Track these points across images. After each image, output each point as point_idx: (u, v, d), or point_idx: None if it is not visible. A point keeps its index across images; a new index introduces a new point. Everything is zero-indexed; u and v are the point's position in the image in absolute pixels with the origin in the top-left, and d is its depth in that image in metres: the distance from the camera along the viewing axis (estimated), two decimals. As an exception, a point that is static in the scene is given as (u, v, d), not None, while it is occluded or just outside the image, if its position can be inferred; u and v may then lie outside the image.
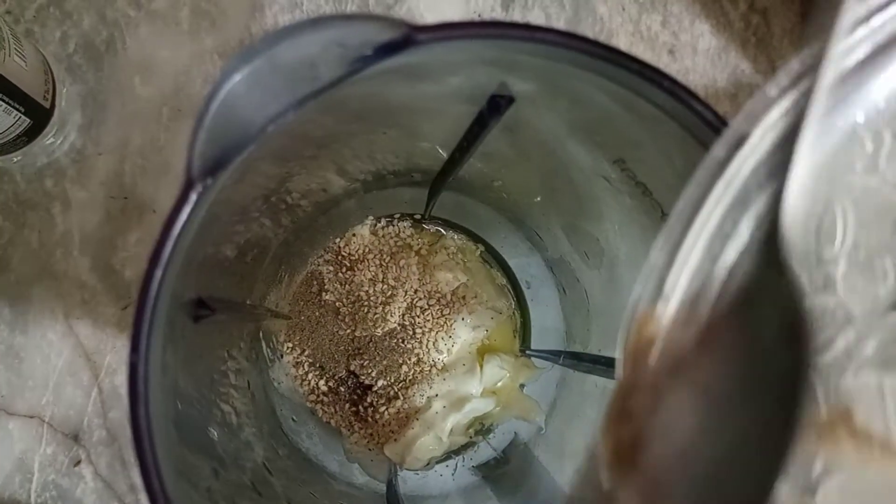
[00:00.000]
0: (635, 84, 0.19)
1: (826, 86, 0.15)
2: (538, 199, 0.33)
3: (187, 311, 0.21)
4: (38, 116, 0.38)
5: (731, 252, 0.16)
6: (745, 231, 0.16)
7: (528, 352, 0.39)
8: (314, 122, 0.27)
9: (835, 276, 0.16)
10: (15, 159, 0.40)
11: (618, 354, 0.17)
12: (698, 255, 0.16)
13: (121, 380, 0.42)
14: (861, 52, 0.16)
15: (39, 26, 0.42)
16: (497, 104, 0.22)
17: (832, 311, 0.16)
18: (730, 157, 0.16)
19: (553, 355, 0.37)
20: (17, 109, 0.36)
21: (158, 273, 0.17)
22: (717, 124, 0.19)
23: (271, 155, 0.28)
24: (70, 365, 0.42)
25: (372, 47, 0.18)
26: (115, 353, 0.42)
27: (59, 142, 0.41)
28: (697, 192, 0.16)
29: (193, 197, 0.17)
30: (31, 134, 0.39)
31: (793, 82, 0.16)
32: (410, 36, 0.18)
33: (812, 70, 0.16)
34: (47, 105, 0.39)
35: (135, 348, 0.17)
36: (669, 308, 0.16)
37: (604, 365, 0.30)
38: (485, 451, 0.39)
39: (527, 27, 0.18)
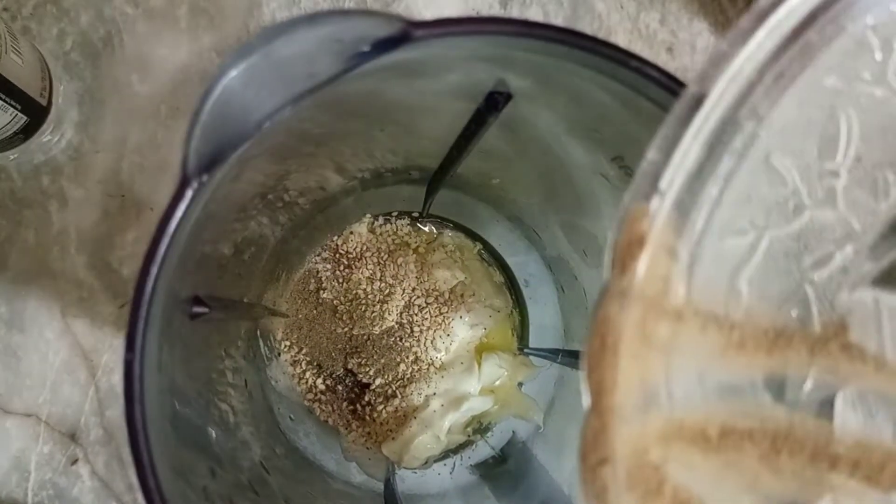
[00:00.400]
0: (634, 81, 0.18)
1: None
2: (536, 197, 0.33)
3: (183, 310, 0.21)
4: (35, 114, 0.38)
5: (728, 160, 0.16)
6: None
7: (526, 350, 0.39)
8: (312, 120, 0.27)
9: (836, 188, 0.16)
10: (11, 157, 0.40)
11: (606, 255, 0.16)
12: (695, 155, 0.16)
13: (118, 378, 0.42)
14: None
15: (36, 23, 0.42)
16: (495, 101, 0.22)
17: (832, 226, 0.16)
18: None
19: (551, 354, 0.37)
20: (14, 107, 0.36)
21: (154, 271, 0.17)
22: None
23: (269, 152, 0.27)
24: (67, 363, 0.42)
25: (369, 43, 0.18)
26: (112, 351, 0.42)
27: (55, 139, 0.41)
28: (697, 90, 0.16)
29: (189, 194, 0.17)
30: (27, 131, 0.38)
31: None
32: (407, 32, 0.18)
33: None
34: (44, 102, 0.39)
35: (130, 347, 0.17)
36: (664, 205, 0.16)
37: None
38: (483, 450, 0.39)
39: (524, 23, 0.18)
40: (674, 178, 0.16)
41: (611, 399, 0.15)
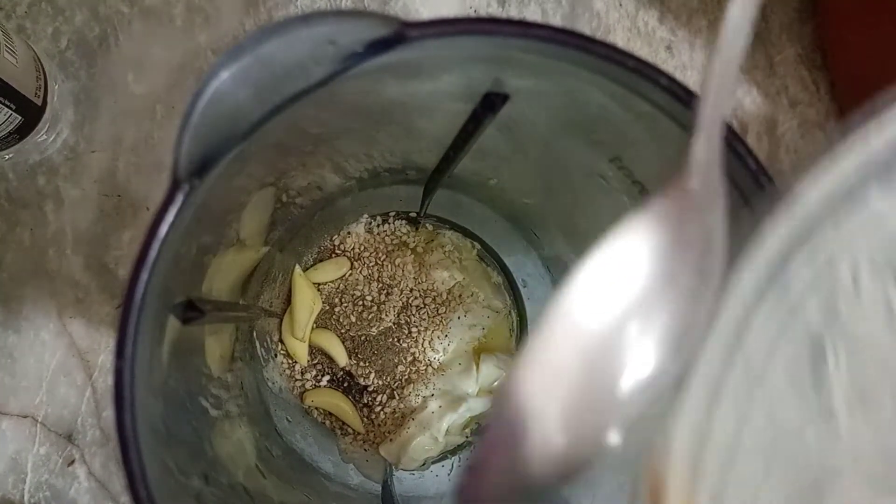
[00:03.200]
0: (633, 81, 0.18)
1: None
2: (534, 197, 0.33)
3: (176, 314, 0.21)
4: (30, 114, 0.38)
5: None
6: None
7: (524, 351, 0.39)
8: (308, 119, 0.26)
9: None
10: (7, 157, 0.40)
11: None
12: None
13: (115, 379, 0.42)
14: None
15: (31, 22, 0.42)
16: (491, 102, 0.22)
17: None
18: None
19: (550, 355, 0.37)
20: (8, 107, 0.36)
21: (144, 276, 0.17)
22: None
23: (264, 152, 0.27)
24: (63, 364, 0.41)
25: (363, 44, 0.18)
26: (108, 352, 0.42)
27: (51, 139, 0.41)
28: None
29: (180, 197, 0.17)
30: (22, 131, 0.38)
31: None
32: (402, 32, 0.17)
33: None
34: (39, 102, 0.38)
35: (120, 353, 0.17)
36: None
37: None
38: (481, 452, 0.39)
39: (521, 24, 0.17)
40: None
41: None
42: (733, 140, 0.18)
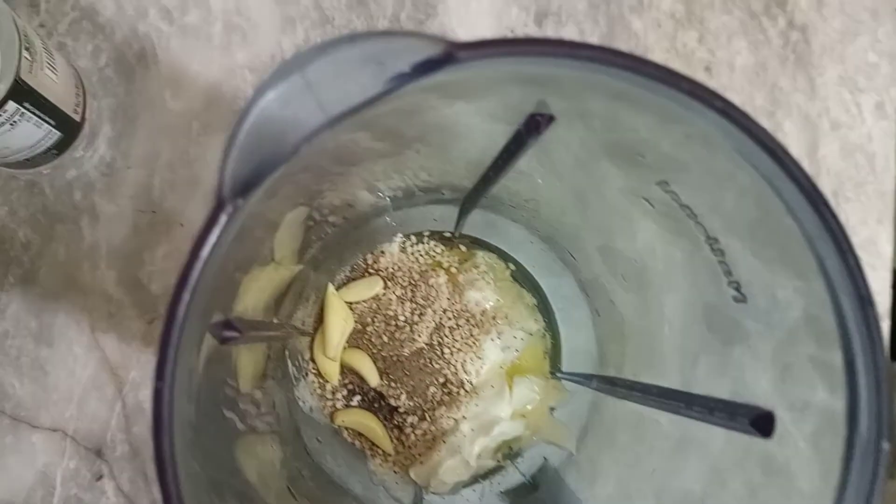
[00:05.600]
0: (685, 103, 0.18)
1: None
2: (571, 218, 0.33)
3: (214, 333, 0.21)
4: (69, 129, 0.38)
5: None
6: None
7: (558, 374, 0.38)
8: (346, 140, 0.26)
9: None
10: (44, 172, 0.40)
11: None
12: None
13: (145, 394, 0.42)
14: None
15: (72, 39, 0.42)
16: (536, 123, 0.21)
17: None
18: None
19: (585, 379, 0.36)
20: (48, 123, 0.36)
21: (186, 297, 0.16)
22: (770, 145, 0.18)
23: (302, 173, 0.27)
24: (95, 378, 0.41)
25: (410, 65, 0.17)
26: (139, 367, 0.42)
27: (88, 155, 0.41)
28: None
29: (224, 219, 0.17)
30: (60, 147, 0.39)
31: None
32: (451, 54, 0.17)
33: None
34: (78, 118, 0.39)
35: (160, 375, 0.16)
36: None
37: (640, 392, 0.29)
38: (513, 476, 0.38)
39: (571, 44, 0.17)
40: None
41: None
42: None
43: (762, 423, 0.22)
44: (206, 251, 0.16)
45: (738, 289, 0.23)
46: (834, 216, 0.18)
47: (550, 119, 0.21)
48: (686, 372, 0.27)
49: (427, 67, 0.17)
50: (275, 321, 0.33)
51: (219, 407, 0.27)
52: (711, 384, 0.26)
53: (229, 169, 0.17)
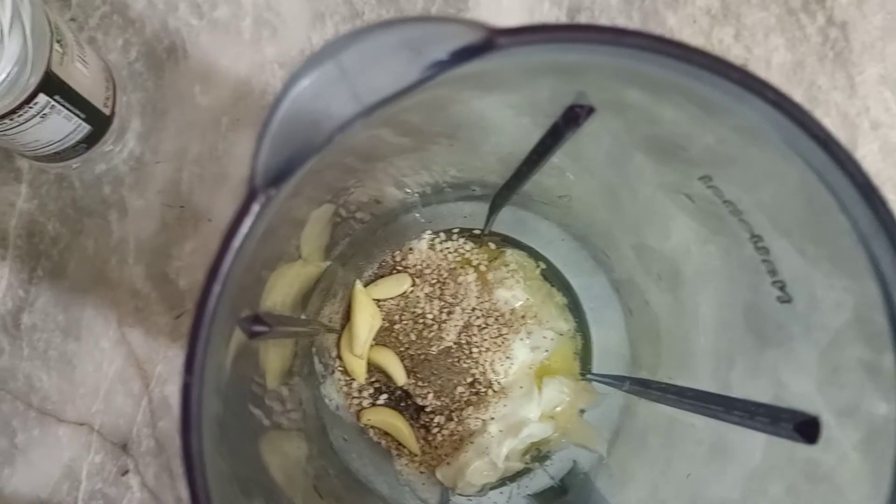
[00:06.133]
0: (733, 93, 0.17)
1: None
2: (605, 215, 0.32)
3: (243, 328, 0.20)
4: (99, 123, 0.38)
5: None
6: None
7: (589, 376, 0.38)
8: (371, 136, 0.26)
9: None
10: (74, 166, 0.40)
11: None
12: None
13: (171, 390, 0.42)
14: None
15: (102, 34, 0.42)
16: (575, 114, 0.21)
17: None
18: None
19: (617, 381, 0.36)
20: (78, 116, 0.36)
21: (217, 288, 0.16)
22: (823, 137, 0.17)
23: (326, 170, 0.27)
24: (121, 373, 0.41)
25: (448, 52, 0.17)
26: (166, 362, 0.42)
27: (117, 149, 0.41)
28: None
29: (256, 208, 0.16)
30: (90, 141, 0.38)
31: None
32: (490, 40, 0.16)
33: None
34: (108, 112, 0.39)
35: (189, 369, 0.16)
36: None
37: (675, 394, 0.29)
38: (541, 479, 0.37)
39: (615, 31, 0.16)
40: None
41: None
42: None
43: (807, 428, 0.21)
44: (237, 241, 0.16)
45: (782, 289, 0.22)
46: (890, 213, 0.17)
47: (590, 111, 0.21)
48: (724, 375, 0.27)
49: (465, 55, 0.17)
50: (302, 317, 0.32)
51: (245, 403, 0.26)
52: (751, 388, 0.25)
53: (262, 158, 0.16)
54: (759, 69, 0.44)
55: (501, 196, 0.32)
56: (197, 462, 0.16)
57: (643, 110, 0.21)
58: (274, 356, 0.30)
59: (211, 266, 0.16)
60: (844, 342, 0.20)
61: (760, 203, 0.21)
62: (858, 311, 0.20)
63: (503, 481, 0.37)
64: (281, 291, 0.29)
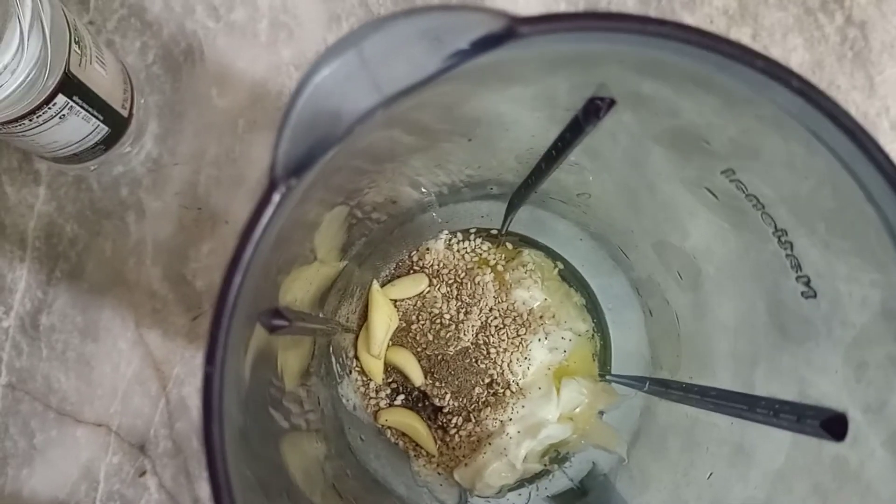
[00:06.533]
0: (758, 82, 0.17)
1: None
2: (624, 213, 0.32)
3: (263, 322, 0.20)
4: (116, 125, 0.38)
5: None
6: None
7: (608, 377, 0.37)
8: (388, 135, 0.26)
9: None
10: (92, 167, 0.40)
11: None
12: None
13: (189, 391, 0.42)
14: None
15: (120, 37, 0.42)
16: (596, 107, 0.21)
17: None
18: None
19: (637, 381, 0.35)
20: (96, 117, 0.36)
21: (238, 278, 0.16)
22: (850, 126, 0.17)
23: (335, 175, 0.26)
24: (139, 374, 0.41)
25: (469, 41, 0.17)
26: (183, 363, 0.42)
27: (135, 151, 0.42)
28: None
29: (277, 198, 0.16)
30: (108, 142, 0.39)
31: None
32: (512, 28, 0.16)
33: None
34: (125, 114, 0.39)
35: (210, 359, 0.16)
36: None
37: (697, 394, 0.28)
38: (561, 481, 0.37)
39: (640, 19, 0.16)
40: None
41: None
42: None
43: (833, 425, 0.21)
44: (259, 230, 0.16)
45: (807, 283, 0.22)
46: (920, 204, 0.17)
47: (612, 103, 0.20)
48: (747, 373, 0.26)
49: (487, 43, 0.16)
50: (320, 315, 0.32)
51: (265, 406, 0.26)
52: (775, 385, 0.24)
53: (282, 149, 0.16)
54: (777, 68, 0.44)
55: (519, 195, 0.32)
56: (219, 455, 0.16)
57: (664, 102, 0.20)
58: (292, 357, 0.30)
59: (232, 256, 0.16)
60: (871, 337, 0.20)
61: (785, 196, 0.21)
62: (886, 304, 0.19)
63: (521, 483, 0.37)
64: (298, 291, 0.29)
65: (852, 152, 0.17)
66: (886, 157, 0.17)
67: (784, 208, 0.21)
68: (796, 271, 0.22)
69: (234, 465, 0.17)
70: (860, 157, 0.17)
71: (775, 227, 0.21)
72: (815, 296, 0.22)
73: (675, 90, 0.20)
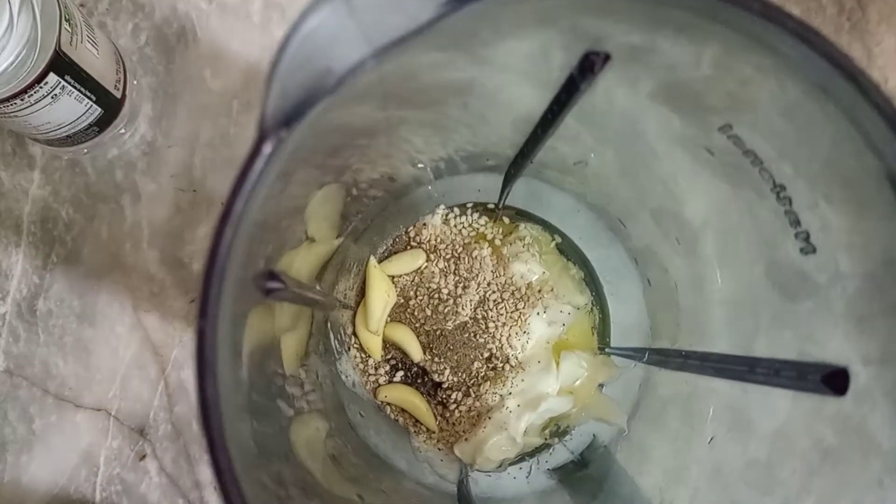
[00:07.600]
0: (756, 29, 0.16)
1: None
2: (622, 181, 0.31)
3: (258, 285, 0.20)
4: (109, 106, 0.38)
5: None
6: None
7: (607, 349, 0.37)
8: (380, 100, 0.25)
9: None
10: (85, 151, 0.40)
11: None
12: None
13: (187, 374, 0.42)
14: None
15: (112, 18, 0.42)
16: (591, 63, 0.20)
17: None
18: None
19: (636, 353, 0.35)
20: (89, 97, 0.36)
21: (229, 232, 0.16)
22: (851, 70, 0.16)
23: (311, 155, 0.26)
24: (137, 358, 0.41)
25: (461, -12, 0.16)
26: (182, 346, 0.41)
27: (129, 133, 0.41)
28: None
29: (267, 150, 0.16)
30: (101, 124, 0.38)
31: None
32: (504, -28, 0.16)
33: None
34: (118, 95, 0.39)
35: (203, 313, 0.16)
36: None
37: (697, 360, 0.28)
38: (561, 454, 0.37)
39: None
40: None
41: None
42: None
43: (835, 380, 0.20)
44: (249, 183, 0.15)
45: (806, 239, 0.21)
46: (920, 149, 0.17)
47: (606, 58, 0.20)
48: (747, 337, 0.26)
49: (479, -11, 0.16)
50: (318, 288, 0.32)
51: (272, 399, 0.26)
52: (776, 346, 0.24)
53: (271, 100, 0.16)
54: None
55: (516, 165, 0.32)
56: (214, 410, 0.16)
57: (661, 55, 0.20)
58: (290, 340, 0.30)
59: (223, 209, 0.16)
60: (873, 289, 0.20)
61: (783, 150, 0.20)
62: (887, 254, 0.19)
63: (522, 457, 0.37)
64: (296, 266, 0.29)
65: (852, 97, 0.17)
66: (887, 99, 0.17)
67: (782, 163, 0.21)
68: (795, 227, 0.22)
69: (229, 422, 0.17)
70: (860, 101, 0.17)
71: (773, 182, 0.21)
72: (814, 251, 0.21)
73: (672, 42, 0.19)
